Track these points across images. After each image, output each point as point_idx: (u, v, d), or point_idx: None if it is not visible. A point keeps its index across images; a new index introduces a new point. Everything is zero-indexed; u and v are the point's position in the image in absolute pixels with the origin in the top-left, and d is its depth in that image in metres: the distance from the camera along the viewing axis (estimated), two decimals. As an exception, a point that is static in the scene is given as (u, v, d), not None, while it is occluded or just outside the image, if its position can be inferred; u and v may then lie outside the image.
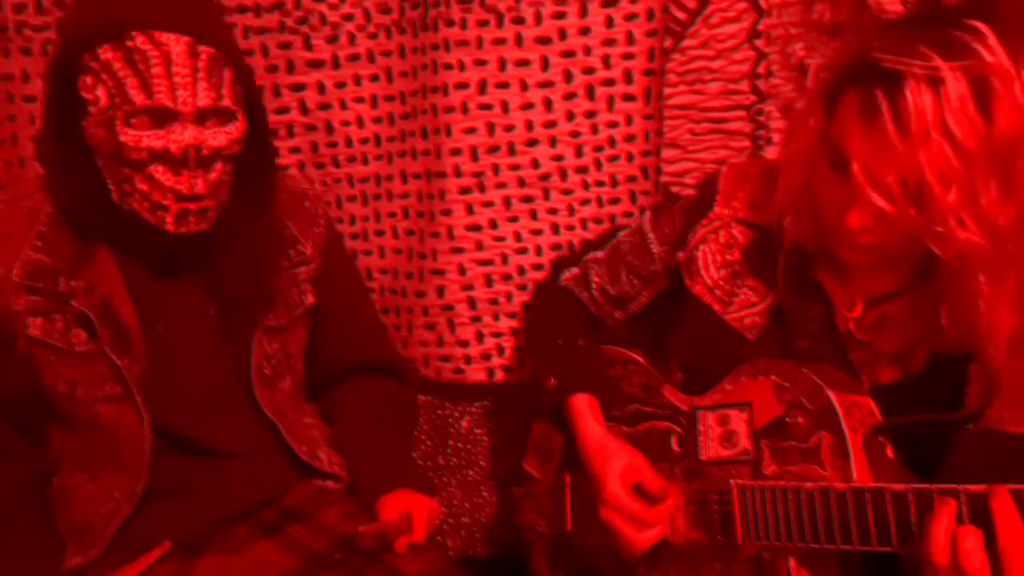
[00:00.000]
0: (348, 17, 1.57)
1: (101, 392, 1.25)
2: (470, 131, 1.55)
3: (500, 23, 1.50)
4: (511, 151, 1.56)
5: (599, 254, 1.44)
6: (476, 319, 1.65)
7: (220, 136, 1.19)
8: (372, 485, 1.37)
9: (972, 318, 1.00)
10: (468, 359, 1.67)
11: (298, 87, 1.60)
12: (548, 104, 1.53)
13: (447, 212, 1.59)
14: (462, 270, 1.62)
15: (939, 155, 0.90)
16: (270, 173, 1.33)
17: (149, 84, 1.13)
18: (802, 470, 1.05)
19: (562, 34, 1.50)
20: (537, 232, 1.60)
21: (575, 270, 1.47)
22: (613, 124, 1.54)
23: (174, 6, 1.15)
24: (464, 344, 1.66)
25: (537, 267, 1.61)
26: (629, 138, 1.54)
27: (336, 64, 1.59)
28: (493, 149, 1.56)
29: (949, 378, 1.08)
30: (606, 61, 1.50)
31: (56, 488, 1.31)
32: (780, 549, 1.06)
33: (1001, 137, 0.91)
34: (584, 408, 1.30)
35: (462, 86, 1.53)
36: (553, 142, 1.55)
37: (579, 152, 1.55)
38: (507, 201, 1.58)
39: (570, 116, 1.54)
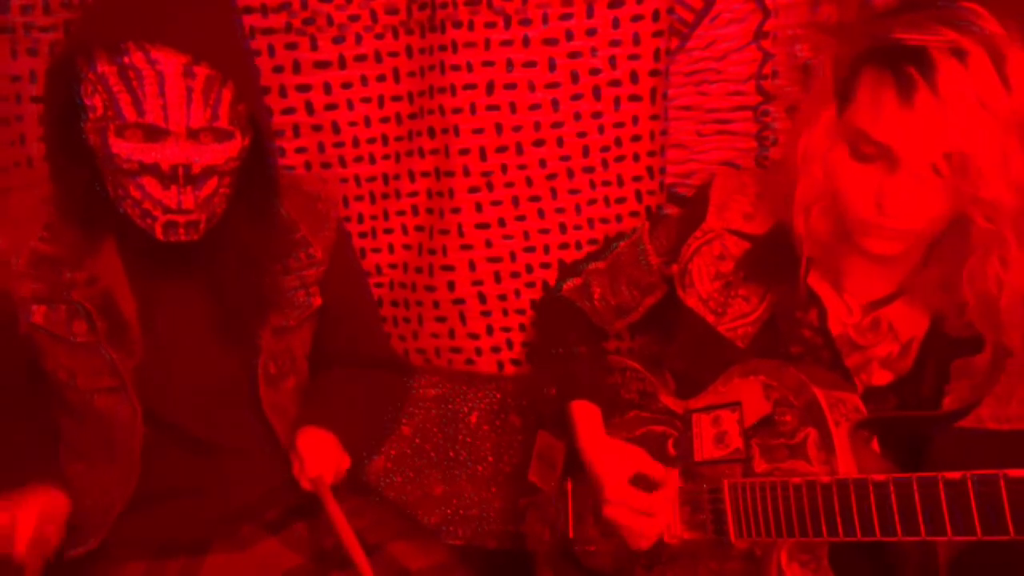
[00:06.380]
0: (354, 18, 1.60)
1: (98, 383, 1.30)
2: (478, 131, 1.60)
3: (507, 24, 1.55)
4: (518, 151, 1.61)
5: (600, 264, 1.50)
6: (485, 313, 1.70)
7: (215, 153, 1.20)
8: (301, 418, 1.42)
9: (992, 284, 1.05)
10: (479, 351, 1.72)
11: (304, 87, 1.63)
12: (555, 105, 1.58)
13: (456, 210, 1.65)
14: (472, 266, 1.68)
15: (978, 122, 0.97)
16: (272, 182, 1.34)
17: (140, 102, 1.15)
18: (790, 466, 1.10)
19: (568, 35, 1.54)
20: (544, 231, 1.65)
21: (576, 280, 1.52)
22: (619, 124, 1.58)
23: (174, 22, 1.15)
24: (474, 336, 1.72)
25: (544, 265, 1.66)
26: (635, 138, 1.59)
27: (342, 64, 1.62)
28: (501, 149, 1.61)
29: (936, 377, 1.14)
30: (612, 62, 1.55)
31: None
32: (770, 544, 1.12)
33: (1021, 103, 0.98)
34: (583, 414, 1.35)
35: (469, 87, 1.58)
36: (560, 142, 1.60)
37: (585, 152, 1.60)
38: (515, 200, 1.64)
39: (576, 116, 1.59)
